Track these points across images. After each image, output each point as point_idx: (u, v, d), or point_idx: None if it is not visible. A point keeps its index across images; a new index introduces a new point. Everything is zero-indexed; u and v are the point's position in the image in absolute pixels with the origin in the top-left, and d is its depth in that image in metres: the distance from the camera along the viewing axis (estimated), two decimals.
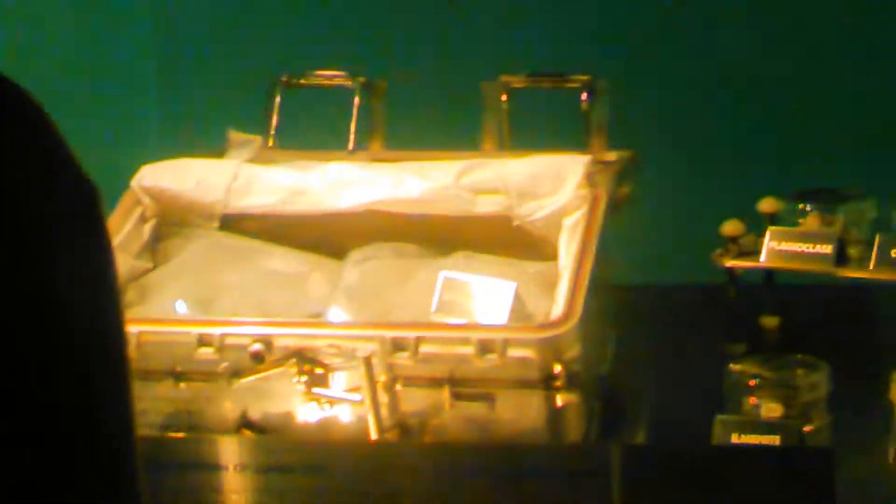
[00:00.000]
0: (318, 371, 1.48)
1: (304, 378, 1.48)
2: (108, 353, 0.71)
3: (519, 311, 1.55)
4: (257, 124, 1.86)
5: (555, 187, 1.67)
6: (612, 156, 1.72)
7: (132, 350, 1.52)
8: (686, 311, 1.92)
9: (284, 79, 1.79)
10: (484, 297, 1.58)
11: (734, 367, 1.59)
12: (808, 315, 1.85)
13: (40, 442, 0.68)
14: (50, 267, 0.67)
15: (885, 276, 1.64)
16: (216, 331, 1.50)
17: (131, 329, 1.60)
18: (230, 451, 1.47)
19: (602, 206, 1.61)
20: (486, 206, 1.69)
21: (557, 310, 1.52)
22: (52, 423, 0.68)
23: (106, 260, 0.71)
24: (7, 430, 0.65)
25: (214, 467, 1.42)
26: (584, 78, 1.75)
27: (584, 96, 1.74)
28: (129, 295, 1.68)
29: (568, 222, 1.61)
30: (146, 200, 1.78)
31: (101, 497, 0.70)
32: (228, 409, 1.56)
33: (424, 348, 1.49)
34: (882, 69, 2.68)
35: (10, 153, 0.67)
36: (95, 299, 0.70)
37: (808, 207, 1.72)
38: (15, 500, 0.65)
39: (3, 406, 0.65)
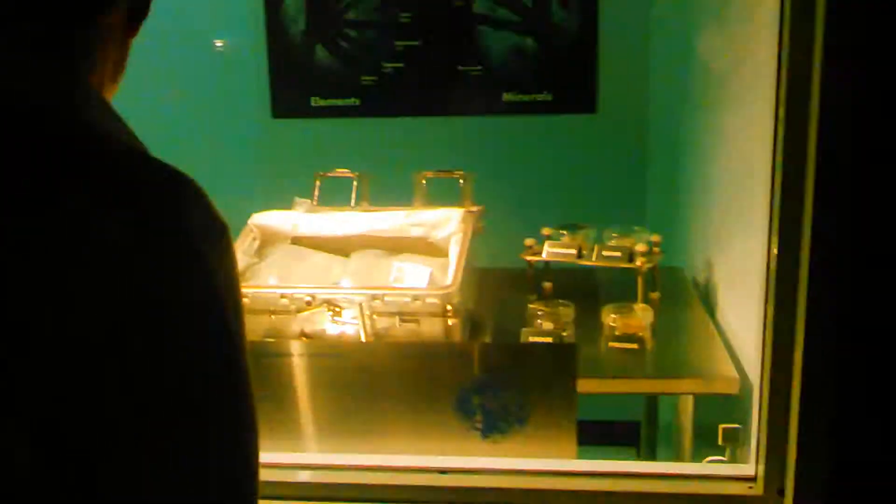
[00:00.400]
0: (337, 309, 1.82)
1: (330, 313, 1.83)
2: (237, 310, 0.85)
3: (431, 281, 1.90)
4: (308, 193, 2.15)
5: (448, 223, 2.03)
6: (474, 208, 2.06)
7: (248, 303, 1.77)
8: (509, 281, 2.21)
9: (321, 174, 2.14)
10: (415, 274, 1.93)
11: (531, 306, 1.93)
12: (564, 282, 2.13)
13: (205, 361, 0.82)
14: (214, 271, 0.83)
15: (598, 263, 2.02)
16: (288, 290, 1.84)
17: (247, 291, 1.83)
18: (295, 346, 1.68)
19: (469, 232, 1.98)
20: (416, 232, 2.05)
21: (449, 280, 1.85)
22: (211, 352, 0.83)
23: (234, 265, 0.86)
24: (182, 358, 0.80)
25: (287, 355, 1.66)
26: (463, 172, 2.11)
27: (461, 181, 2.10)
28: (246, 276, 1.97)
29: (454, 240, 1.98)
30: (255, 231, 2.09)
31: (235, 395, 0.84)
32: (295, 328, 1.84)
33: (387, 299, 1.81)
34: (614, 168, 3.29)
35: (190, 213, 0.82)
36: (232, 284, 0.84)
37: (564, 232, 2.10)
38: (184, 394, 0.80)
39: (189, 338, 0.81)
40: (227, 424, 0.83)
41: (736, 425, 1.61)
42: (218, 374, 0.83)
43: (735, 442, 1.60)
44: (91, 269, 0.77)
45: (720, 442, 1.61)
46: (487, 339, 1.95)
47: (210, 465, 0.82)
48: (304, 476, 1.63)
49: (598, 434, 2.08)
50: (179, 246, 0.80)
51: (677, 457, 1.88)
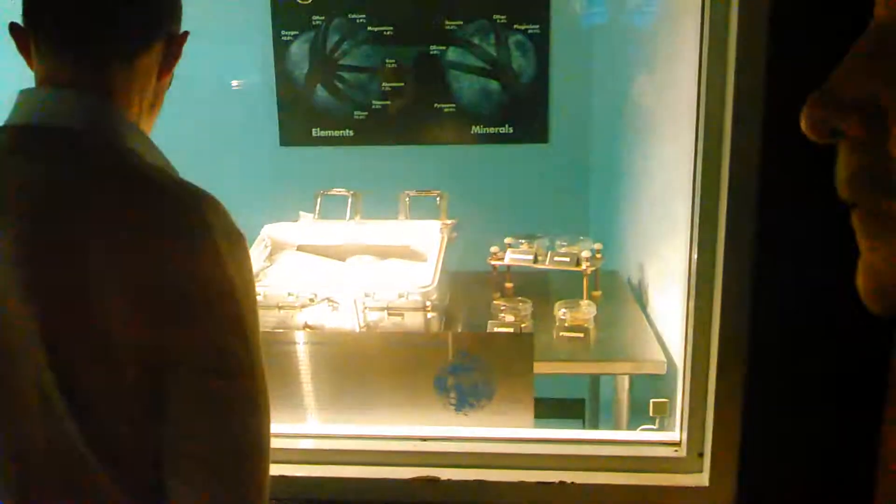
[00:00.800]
0: (335, 304, 1.80)
1: (329, 307, 1.80)
2: (251, 305, 0.87)
3: (412, 280, 1.85)
4: (310, 209, 2.13)
5: (427, 234, 2.03)
6: (448, 221, 2.06)
7: (261, 300, 1.74)
8: (477, 281, 2.18)
9: (321, 192, 2.13)
10: (401, 272, 1.93)
11: (495, 302, 1.93)
12: (523, 282, 2.13)
13: (220, 335, 0.84)
14: (234, 270, 0.85)
15: (551, 267, 2.02)
16: (294, 289, 1.82)
17: (260, 289, 1.77)
18: (299, 336, 1.66)
19: (444, 241, 1.98)
20: (401, 241, 2.04)
21: (428, 280, 1.83)
22: (226, 330, 0.84)
23: (249, 266, 0.88)
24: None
25: (293, 343, 1.65)
26: (439, 192, 2.11)
27: (438, 199, 2.10)
28: (259, 277, 1.91)
29: (432, 247, 1.97)
30: (267, 239, 2.08)
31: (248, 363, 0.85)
32: (299, 320, 1.81)
33: (377, 296, 1.79)
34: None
35: (213, 222, 0.85)
36: (246, 281, 0.87)
37: (523, 241, 2.10)
38: None
39: (208, 322, 0.83)
40: (238, 405, 0.85)
41: (664, 399, 1.62)
42: (230, 362, 0.85)
43: (663, 413, 1.61)
44: (145, 256, 0.82)
45: (651, 414, 1.62)
46: (460, 330, 1.95)
47: (225, 439, 0.85)
48: (306, 443, 1.62)
49: (551, 409, 2.12)
50: (205, 246, 0.84)
51: (616, 426, 1.87)
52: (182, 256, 0.83)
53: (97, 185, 0.85)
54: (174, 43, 0.97)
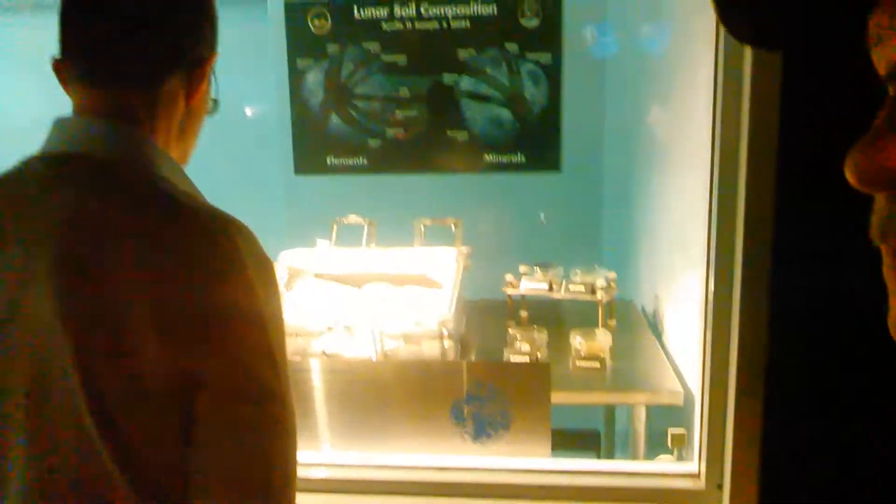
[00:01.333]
0: (352, 331, 1.82)
1: (346, 335, 1.82)
2: (279, 330, 0.88)
3: (428, 308, 1.87)
4: (327, 236, 2.12)
5: (443, 261, 2.03)
6: (463, 249, 2.06)
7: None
8: (492, 310, 2.19)
9: (337, 220, 2.13)
10: (417, 300, 1.93)
11: (511, 331, 1.92)
12: (538, 311, 2.13)
13: (250, 361, 0.84)
14: (263, 297, 0.86)
15: (566, 296, 2.03)
16: (311, 317, 1.84)
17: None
18: (316, 364, 1.64)
19: (460, 269, 1.99)
20: (417, 268, 2.03)
21: (445, 308, 1.85)
22: (256, 356, 0.83)
23: (278, 294, 0.89)
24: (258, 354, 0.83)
25: (309, 370, 1.63)
26: (454, 220, 2.12)
27: (453, 227, 2.10)
28: None
29: (448, 275, 1.98)
30: (284, 266, 2.05)
31: (275, 381, 0.85)
32: (317, 348, 1.81)
33: (395, 323, 1.80)
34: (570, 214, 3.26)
35: (244, 249, 0.85)
36: (275, 307, 0.88)
37: (538, 269, 2.10)
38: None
39: (237, 349, 0.82)
40: (267, 430, 0.86)
41: (681, 430, 1.60)
42: (260, 387, 0.85)
43: (681, 444, 1.60)
44: (176, 282, 0.83)
45: (668, 444, 1.61)
46: (475, 358, 1.94)
47: (253, 463, 0.85)
48: (321, 472, 1.61)
49: (564, 440, 2.07)
50: (235, 272, 0.84)
51: (632, 458, 1.84)
52: (212, 282, 0.83)
53: (129, 213, 0.86)
54: (198, 67, 0.97)
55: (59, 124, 0.93)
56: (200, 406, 0.82)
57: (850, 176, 0.35)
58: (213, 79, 1.02)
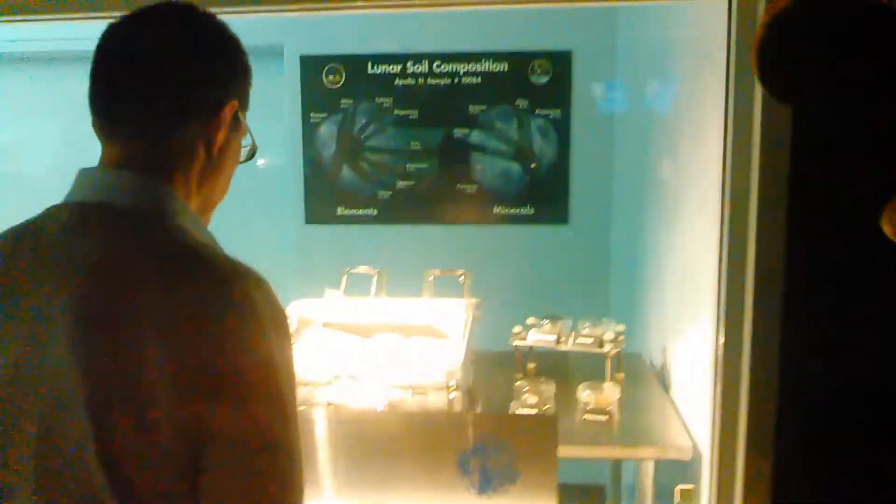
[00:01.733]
0: (359, 381, 1.78)
1: (352, 385, 1.78)
2: (290, 382, 0.88)
3: (437, 359, 1.83)
4: (336, 286, 2.10)
5: (451, 313, 2.01)
6: (472, 300, 2.03)
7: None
8: (499, 361, 2.16)
9: (347, 270, 2.12)
10: (426, 351, 1.90)
11: (518, 383, 1.89)
12: (546, 363, 2.12)
13: (262, 413, 0.84)
14: (277, 348, 0.87)
15: (574, 348, 2.01)
16: (318, 367, 1.80)
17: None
18: (322, 413, 1.65)
19: (469, 320, 1.96)
20: (426, 319, 2.00)
21: (455, 359, 1.81)
22: (268, 408, 0.84)
23: (290, 345, 0.90)
24: (257, 414, 0.83)
25: (315, 420, 1.62)
26: (463, 271, 2.09)
27: (462, 278, 2.08)
28: None
29: (456, 326, 1.95)
30: (292, 316, 2.01)
31: (280, 427, 0.85)
32: (323, 397, 1.78)
33: (403, 374, 1.77)
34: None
35: (260, 301, 0.86)
36: (288, 359, 0.88)
37: (545, 321, 2.08)
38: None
39: (249, 400, 0.83)
40: (275, 481, 0.85)
41: (690, 486, 1.58)
42: (270, 438, 0.85)
43: (690, 501, 1.58)
44: (191, 332, 0.83)
45: (677, 501, 1.58)
46: (482, 410, 1.91)
47: None
48: None
49: (569, 495, 2.02)
50: (249, 323, 0.84)
51: None
52: (227, 334, 0.83)
53: (146, 262, 0.87)
54: (214, 116, 0.97)
55: (83, 174, 0.95)
56: (209, 456, 0.82)
57: (887, 230, 0.34)
58: (246, 126, 1.03)
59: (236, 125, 1.01)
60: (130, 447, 0.82)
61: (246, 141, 1.05)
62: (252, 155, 1.06)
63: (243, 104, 1.01)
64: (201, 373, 0.81)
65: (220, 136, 0.98)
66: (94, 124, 0.97)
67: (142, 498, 0.82)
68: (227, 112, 0.98)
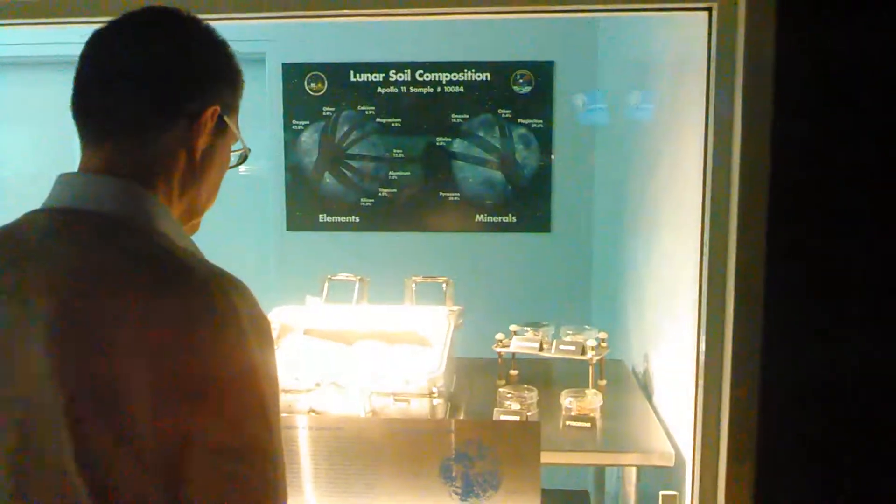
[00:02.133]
0: (341, 388, 1.77)
1: (334, 392, 1.77)
2: (273, 388, 0.88)
3: (419, 366, 1.83)
4: (317, 293, 2.09)
5: (434, 320, 2.01)
6: (454, 308, 2.05)
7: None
8: (482, 369, 2.18)
9: (329, 277, 2.12)
10: (408, 358, 1.91)
11: (501, 390, 1.88)
12: (528, 370, 2.11)
13: (244, 420, 0.84)
14: (258, 355, 0.86)
15: (556, 355, 1.99)
16: (300, 374, 1.78)
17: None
18: (304, 421, 1.62)
19: (452, 326, 1.95)
20: (407, 326, 2.01)
21: (435, 366, 1.81)
22: (250, 415, 0.85)
23: (272, 351, 0.89)
24: (233, 412, 0.83)
25: (297, 427, 1.60)
26: (446, 279, 2.12)
27: (444, 285, 2.11)
28: None
29: (439, 334, 1.95)
30: (274, 323, 2.01)
31: (268, 441, 0.85)
32: (305, 404, 1.77)
33: (384, 381, 1.76)
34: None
35: (242, 307, 0.85)
36: (270, 366, 0.88)
37: (527, 328, 2.08)
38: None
39: (231, 405, 0.84)
40: (257, 490, 0.84)
41: (673, 493, 1.58)
42: (253, 445, 0.84)
43: None
44: (171, 338, 0.82)
45: None
46: (465, 417, 1.91)
47: None
48: None
49: (553, 500, 2.08)
50: (230, 330, 0.83)
51: None
52: (207, 339, 0.82)
53: (126, 268, 0.85)
54: (195, 122, 0.96)
55: (62, 180, 0.94)
56: (191, 464, 0.81)
57: None
58: (236, 130, 1.01)
59: (222, 130, 0.99)
60: (110, 455, 0.80)
61: (237, 145, 1.04)
62: (243, 160, 1.05)
63: (229, 109, 1.00)
64: (181, 380, 0.80)
65: (202, 142, 0.97)
66: (77, 128, 0.96)
67: None
68: (209, 117, 0.96)
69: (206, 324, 0.83)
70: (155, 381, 0.80)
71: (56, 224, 0.90)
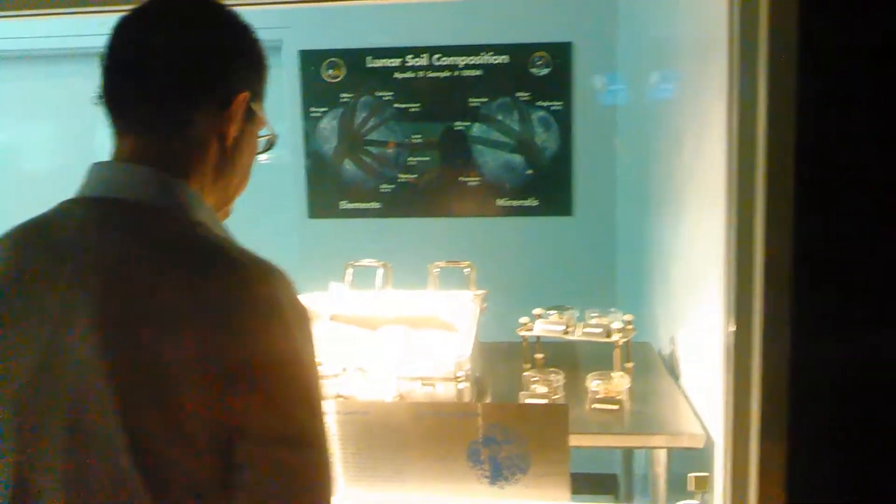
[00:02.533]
0: (368, 373, 1.80)
1: (361, 377, 1.80)
2: (316, 375, 0.89)
3: (445, 351, 1.86)
4: (341, 280, 2.08)
5: (458, 304, 2.02)
6: (478, 292, 2.05)
7: None
8: (507, 352, 2.17)
9: (352, 263, 2.11)
10: (434, 342, 1.92)
11: (526, 374, 1.90)
12: (553, 354, 2.11)
13: (292, 408, 0.84)
14: (301, 344, 0.88)
15: (581, 338, 2.00)
16: (326, 359, 1.80)
17: None
18: (332, 406, 1.64)
19: (476, 311, 1.97)
20: (431, 311, 2.01)
21: (463, 350, 1.83)
22: (297, 403, 0.86)
23: (312, 339, 0.91)
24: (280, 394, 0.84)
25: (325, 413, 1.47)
26: (468, 263, 2.11)
27: (467, 270, 2.10)
28: None
29: (463, 318, 1.96)
30: None
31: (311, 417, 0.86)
32: (332, 390, 1.78)
33: (411, 365, 1.80)
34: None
35: (283, 296, 0.87)
36: (312, 354, 0.90)
37: (553, 311, 2.08)
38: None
39: (279, 392, 0.85)
40: (306, 475, 0.86)
41: (705, 474, 1.57)
42: (301, 434, 0.86)
43: (703, 488, 1.57)
44: (217, 329, 0.83)
45: (691, 489, 1.58)
46: (491, 401, 1.91)
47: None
48: None
49: (582, 484, 2.03)
50: (274, 320, 0.84)
51: (653, 502, 1.80)
52: (252, 328, 0.83)
53: (166, 259, 0.86)
54: (226, 108, 0.96)
55: (96, 169, 0.94)
56: (240, 451, 0.82)
57: None
58: (263, 116, 1.02)
59: (251, 117, 0.99)
60: (160, 443, 0.82)
61: (264, 131, 1.04)
62: (271, 146, 1.05)
63: (257, 95, 1.00)
64: (228, 368, 0.81)
65: (233, 129, 0.97)
66: (108, 119, 0.96)
67: (173, 492, 0.82)
68: (239, 104, 0.97)
69: (249, 312, 0.84)
70: (201, 369, 0.81)
71: (93, 214, 0.90)
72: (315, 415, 0.86)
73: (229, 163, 0.99)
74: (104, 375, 0.82)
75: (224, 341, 0.82)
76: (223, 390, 0.81)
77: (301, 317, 0.88)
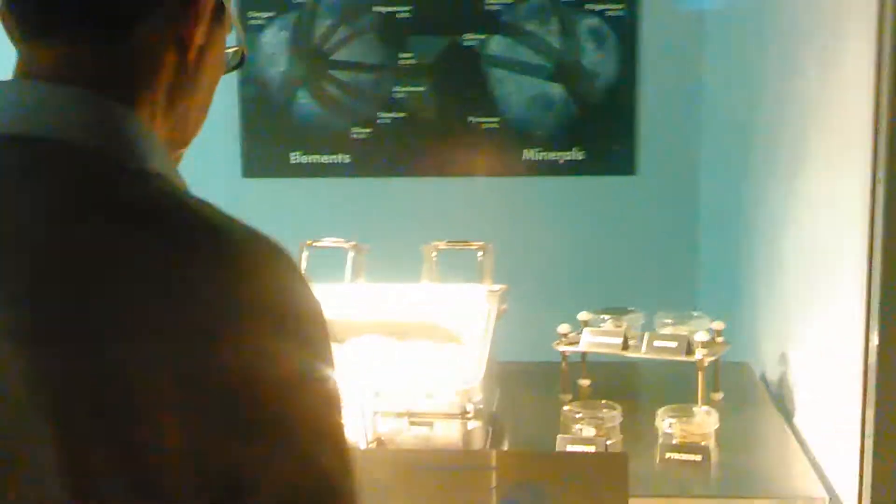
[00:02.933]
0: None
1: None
2: (341, 405, 0.88)
3: (445, 373, 1.88)
4: None
5: (464, 305, 2.03)
6: (495, 287, 2.06)
7: None
8: (538, 377, 2.21)
9: (308, 243, 2.13)
10: (428, 361, 1.93)
11: (566, 408, 1.90)
12: (607, 379, 2.14)
13: (314, 451, 0.83)
14: (327, 359, 0.87)
15: (649, 356, 2.00)
16: None
17: None
18: None
19: (492, 316, 1.97)
20: (425, 314, 2.04)
21: (471, 373, 1.84)
22: (323, 451, 0.85)
23: (333, 353, 0.89)
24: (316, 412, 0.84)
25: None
26: (482, 244, 2.12)
27: (479, 254, 2.09)
28: None
29: (472, 326, 1.97)
30: None
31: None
32: None
33: (395, 395, 1.82)
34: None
35: (301, 293, 0.87)
36: (335, 371, 0.88)
37: (606, 317, 2.09)
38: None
39: (309, 395, 0.85)
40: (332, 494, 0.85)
41: None
42: (329, 486, 0.85)
43: None
44: (205, 337, 0.81)
45: None
46: (515, 448, 1.96)
47: None
48: None
49: None
50: (289, 322, 0.84)
51: None
52: (257, 340, 0.82)
53: (121, 235, 0.83)
54: (191, 6, 0.95)
55: None
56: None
57: None
58: (234, 19, 1.02)
59: (219, 17, 0.99)
60: (117, 490, 0.79)
61: (230, 41, 1.04)
62: (242, 62, 1.07)
63: None
64: (223, 398, 0.80)
65: (199, 33, 0.97)
66: (6, 17, 0.93)
67: None
68: (206, 2, 0.96)
69: (255, 314, 0.82)
70: (184, 398, 0.79)
71: (7, 162, 0.87)
72: (344, 459, 0.86)
73: (190, 82, 0.98)
74: (37, 407, 0.79)
75: (216, 357, 0.80)
76: (217, 428, 0.80)
77: (320, 318, 0.87)
